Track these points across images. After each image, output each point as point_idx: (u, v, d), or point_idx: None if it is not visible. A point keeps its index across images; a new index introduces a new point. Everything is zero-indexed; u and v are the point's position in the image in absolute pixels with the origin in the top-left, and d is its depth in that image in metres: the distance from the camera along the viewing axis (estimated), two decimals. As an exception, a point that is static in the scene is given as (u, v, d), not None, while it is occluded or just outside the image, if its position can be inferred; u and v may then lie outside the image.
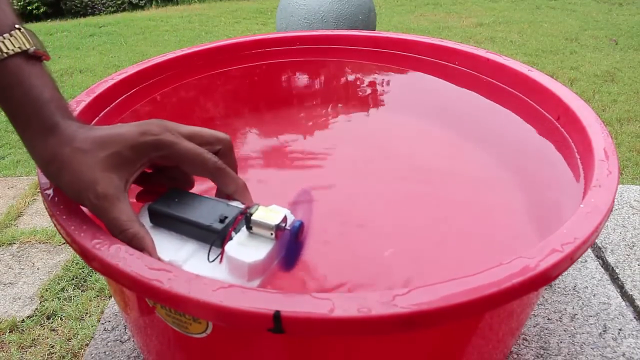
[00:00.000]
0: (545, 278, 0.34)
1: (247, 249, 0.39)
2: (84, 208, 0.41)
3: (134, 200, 0.44)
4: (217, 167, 0.42)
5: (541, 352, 0.56)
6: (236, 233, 0.41)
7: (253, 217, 0.40)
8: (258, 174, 0.62)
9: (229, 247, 0.39)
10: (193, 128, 0.43)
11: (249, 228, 0.40)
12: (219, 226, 0.40)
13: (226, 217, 0.40)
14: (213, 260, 0.40)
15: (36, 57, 0.40)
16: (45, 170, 0.40)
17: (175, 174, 0.45)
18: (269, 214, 0.40)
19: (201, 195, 0.44)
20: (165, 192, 0.44)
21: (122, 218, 0.39)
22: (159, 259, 0.39)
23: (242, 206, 0.42)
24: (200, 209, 0.42)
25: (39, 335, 1.29)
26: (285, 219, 0.40)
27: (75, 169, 0.38)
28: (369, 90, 0.78)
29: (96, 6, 4.81)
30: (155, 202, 0.43)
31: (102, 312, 1.20)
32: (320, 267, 0.48)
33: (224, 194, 0.44)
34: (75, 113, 0.56)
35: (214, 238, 0.40)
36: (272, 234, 0.40)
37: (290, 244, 0.41)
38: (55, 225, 0.41)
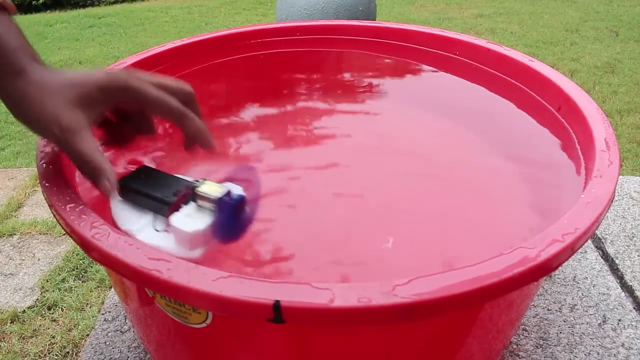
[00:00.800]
0: (545, 268, 0.34)
1: (191, 220, 0.42)
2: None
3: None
4: (180, 112, 0.44)
5: (540, 343, 0.56)
6: (186, 205, 0.43)
7: (197, 190, 0.43)
8: (256, 162, 0.61)
9: (175, 217, 0.42)
10: (159, 78, 0.45)
11: (194, 201, 0.43)
12: (171, 199, 0.43)
13: (179, 191, 0.43)
14: (161, 231, 0.42)
15: (2, 8, 0.42)
16: (13, 110, 0.41)
17: (139, 121, 0.47)
18: (213, 188, 0.43)
19: (167, 173, 0.46)
20: (136, 169, 0.47)
21: (85, 151, 0.40)
22: (119, 191, 0.42)
23: (198, 182, 0.44)
24: (159, 184, 0.45)
25: (40, 325, 1.29)
26: (229, 194, 0.43)
27: (42, 107, 0.40)
28: (368, 81, 0.78)
29: (95, -3, 4.79)
30: (123, 177, 0.45)
31: (102, 303, 1.20)
32: (320, 257, 0.48)
33: (189, 140, 0.46)
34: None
35: (165, 209, 0.43)
36: (214, 206, 0.42)
37: (230, 217, 0.43)
38: (54, 216, 0.41)
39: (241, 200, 0.43)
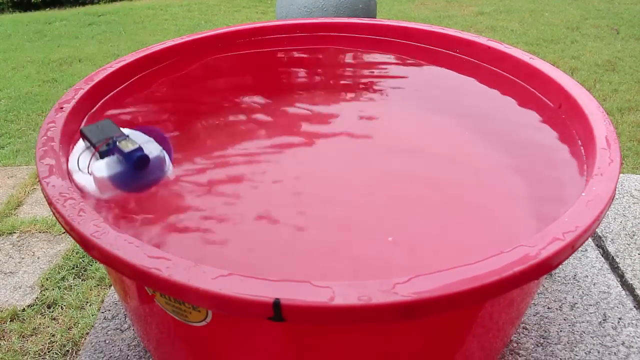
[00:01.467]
0: (546, 266, 0.34)
1: (106, 167, 0.47)
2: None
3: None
4: None
5: (541, 341, 0.56)
6: (113, 155, 0.49)
7: (117, 143, 0.48)
8: (253, 158, 0.61)
9: (97, 163, 0.47)
10: None
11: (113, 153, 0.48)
12: (103, 148, 0.48)
13: (109, 142, 0.49)
14: (84, 172, 0.48)
15: None
16: None
17: None
18: (127, 144, 0.48)
19: (118, 127, 0.51)
20: (98, 121, 0.53)
21: None
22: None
23: (122, 137, 0.49)
24: (101, 133, 0.50)
25: (40, 324, 1.29)
26: (139, 149, 0.47)
27: None
28: (368, 78, 0.78)
29: (95, -5, 4.78)
30: (85, 125, 0.51)
31: (102, 301, 1.20)
32: (320, 255, 0.47)
33: None
34: (75, 101, 0.56)
35: (95, 153, 0.49)
36: (123, 159, 0.47)
37: (131, 170, 0.47)
38: (54, 214, 0.40)
39: (142, 158, 0.48)
